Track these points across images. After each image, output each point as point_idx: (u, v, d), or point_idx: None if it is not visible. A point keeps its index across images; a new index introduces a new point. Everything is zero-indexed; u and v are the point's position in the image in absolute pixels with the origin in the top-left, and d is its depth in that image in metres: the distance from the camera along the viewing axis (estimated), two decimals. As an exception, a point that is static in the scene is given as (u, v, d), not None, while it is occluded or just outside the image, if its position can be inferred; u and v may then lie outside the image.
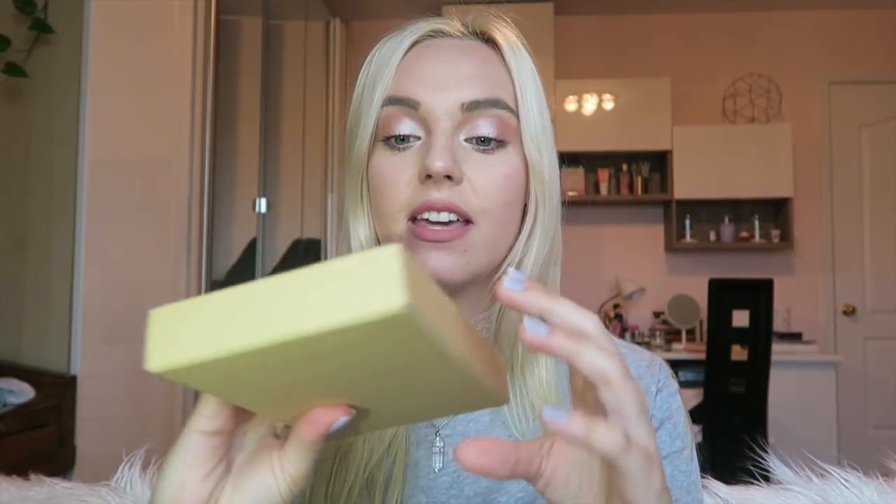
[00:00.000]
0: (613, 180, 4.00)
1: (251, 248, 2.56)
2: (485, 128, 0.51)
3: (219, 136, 2.14)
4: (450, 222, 0.51)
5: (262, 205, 2.49)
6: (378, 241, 0.55)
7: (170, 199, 1.92)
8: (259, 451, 0.38)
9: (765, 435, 2.85)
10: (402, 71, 0.53)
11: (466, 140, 0.52)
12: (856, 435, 3.67)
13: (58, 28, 1.53)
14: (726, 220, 3.92)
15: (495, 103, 0.51)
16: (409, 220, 0.51)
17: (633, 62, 4.05)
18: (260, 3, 2.61)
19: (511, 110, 0.53)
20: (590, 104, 3.88)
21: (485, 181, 0.51)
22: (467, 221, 0.51)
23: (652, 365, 0.61)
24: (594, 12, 4.10)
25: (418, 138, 0.52)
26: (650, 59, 4.05)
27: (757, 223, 3.87)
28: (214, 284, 2.19)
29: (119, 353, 1.71)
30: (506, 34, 0.55)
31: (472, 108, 0.51)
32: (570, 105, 3.89)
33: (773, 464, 0.71)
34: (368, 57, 0.55)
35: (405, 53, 0.53)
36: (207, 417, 0.36)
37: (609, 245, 4.09)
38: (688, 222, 3.89)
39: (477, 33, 0.56)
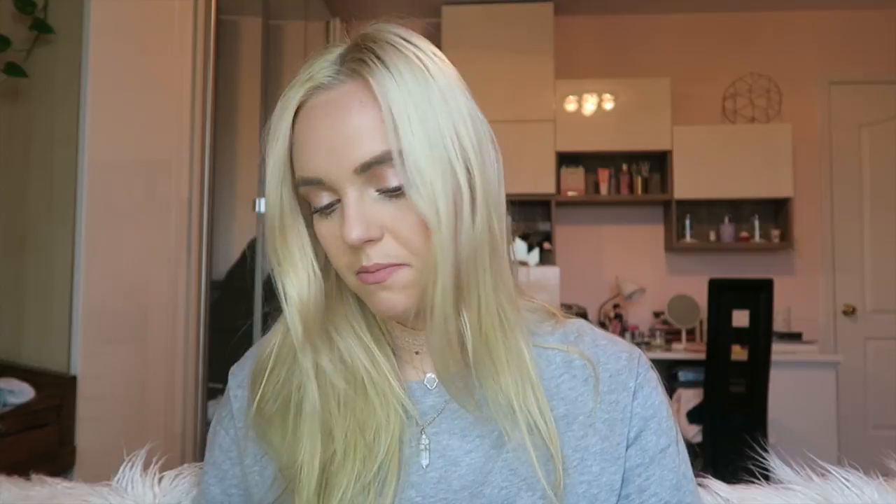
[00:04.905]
0: (613, 180, 4.00)
1: (251, 248, 2.56)
2: (388, 180, 0.52)
3: (219, 136, 2.14)
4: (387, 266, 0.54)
5: (262, 205, 2.48)
6: (320, 295, 0.57)
7: (170, 199, 1.91)
8: None
9: (765, 435, 2.85)
10: (298, 142, 0.54)
11: (377, 191, 0.53)
12: (856, 435, 3.67)
13: (58, 28, 1.53)
14: (726, 220, 3.92)
15: (385, 157, 0.51)
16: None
17: (633, 62, 4.05)
18: (260, 3, 2.60)
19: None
20: (590, 104, 3.88)
21: (402, 228, 0.53)
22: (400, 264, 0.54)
23: (631, 358, 0.62)
24: (594, 12, 4.10)
25: (339, 200, 0.54)
26: (650, 59, 4.05)
27: (757, 223, 3.87)
28: (214, 284, 2.19)
29: (119, 353, 1.70)
30: (382, 60, 0.52)
31: (366, 168, 0.52)
32: (570, 105, 3.89)
33: (774, 463, 0.71)
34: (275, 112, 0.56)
35: (294, 116, 0.55)
36: None
37: (609, 245, 4.09)
38: (688, 222, 3.89)
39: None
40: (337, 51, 0.56)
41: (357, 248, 0.53)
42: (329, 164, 0.52)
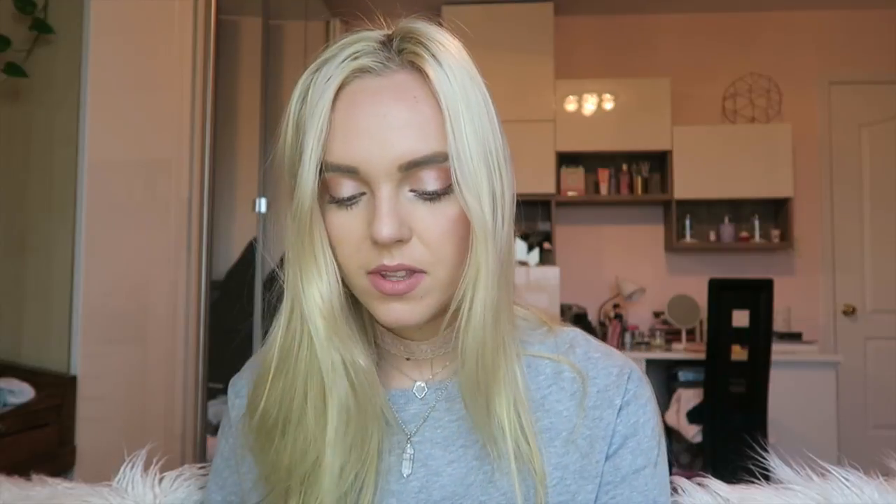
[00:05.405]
0: (613, 180, 4.00)
1: (251, 248, 2.56)
2: (427, 182, 0.51)
3: (219, 136, 2.13)
4: (406, 273, 0.51)
5: (262, 205, 2.48)
6: (340, 295, 0.54)
7: (170, 199, 1.91)
8: None
9: (765, 435, 2.85)
10: (336, 125, 0.51)
11: (411, 191, 0.51)
12: (856, 435, 3.67)
13: (58, 28, 1.53)
14: (726, 220, 3.92)
15: (433, 159, 0.50)
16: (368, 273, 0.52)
17: (633, 62, 4.05)
18: (260, 3, 2.60)
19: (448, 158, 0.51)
20: (590, 104, 3.88)
21: (433, 232, 0.51)
22: (421, 271, 0.52)
23: (621, 374, 0.59)
24: (594, 12, 4.10)
25: (364, 193, 0.52)
26: (650, 59, 4.05)
27: (757, 223, 3.87)
28: (214, 284, 2.19)
29: (119, 353, 1.70)
30: (438, 58, 0.51)
31: (410, 167, 0.50)
32: (570, 105, 3.89)
33: (774, 463, 0.71)
34: (298, 90, 0.53)
35: (334, 97, 0.51)
36: None
37: (609, 245, 4.09)
38: (688, 222, 3.89)
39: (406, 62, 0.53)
40: (373, 35, 0.53)
41: (380, 247, 0.50)
42: (370, 155, 0.50)
